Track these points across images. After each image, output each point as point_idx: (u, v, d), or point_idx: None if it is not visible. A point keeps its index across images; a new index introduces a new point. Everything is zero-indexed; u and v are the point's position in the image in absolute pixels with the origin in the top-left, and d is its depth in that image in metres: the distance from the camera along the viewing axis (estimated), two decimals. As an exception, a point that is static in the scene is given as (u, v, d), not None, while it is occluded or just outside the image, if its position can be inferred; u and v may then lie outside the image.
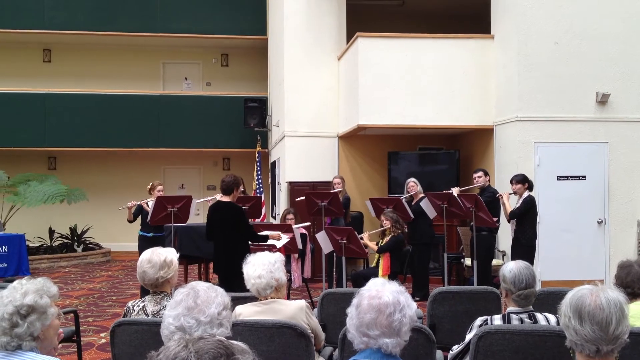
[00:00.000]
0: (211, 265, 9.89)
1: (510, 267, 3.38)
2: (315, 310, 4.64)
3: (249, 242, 6.58)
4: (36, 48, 15.87)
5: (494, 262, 8.64)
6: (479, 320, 3.42)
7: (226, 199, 6.52)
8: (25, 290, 2.51)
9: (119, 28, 14.90)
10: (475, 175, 8.48)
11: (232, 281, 5.67)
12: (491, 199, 8.02)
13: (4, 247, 11.53)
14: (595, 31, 9.10)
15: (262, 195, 12.11)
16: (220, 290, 2.45)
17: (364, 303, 2.31)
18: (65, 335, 5.23)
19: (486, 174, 8.50)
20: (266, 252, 3.80)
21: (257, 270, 3.62)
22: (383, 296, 2.32)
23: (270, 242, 6.92)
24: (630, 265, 3.41)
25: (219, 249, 6.56)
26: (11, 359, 2.45)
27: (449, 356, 3.58)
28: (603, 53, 9.11)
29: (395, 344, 2.30)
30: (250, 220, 7.67)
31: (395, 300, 2.31)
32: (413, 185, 8.95)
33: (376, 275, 7.13)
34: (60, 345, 5.42)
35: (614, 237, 9.09)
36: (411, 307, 2.37)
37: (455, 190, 8.06)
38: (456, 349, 3.49)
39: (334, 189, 9.13)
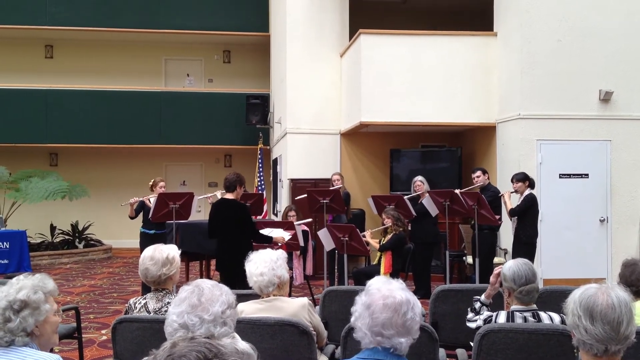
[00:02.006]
0: (212, 262, 9.89)
1: (509, 265, 3.39)
2: (317, 307, 4.63)
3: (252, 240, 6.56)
4: (38, 44, 15.87)
5: (496, 259, 8.62)
6: (485, 314, 3.42)
7: (229, 196, 6.48)
8: (21, 285, 2.52)
9: (121, 24, 14.89)
10: (474, 175, 8.45)
11: (235, 279, 5.65)
12: (493, 198, 8.00)
13: (5, 243, 11.54)
14: (598, 29, 9.07)
15: (264, 193, 12.10)
16: (225, 288, 2.44)
17: (379, 303, 2.29)
18: (67, 332, 5.23)
19: (485, 172, 8.47)
20: (268, 250, 3.78)
21: (259, 267, 3.61)
22: (396, 295, 2.31)
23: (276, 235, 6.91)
24: (635, 264, 3.41)
25: (221, 246, 6.53)
26: (9, 354, 2.44)
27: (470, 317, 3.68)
28: (606, 51, 9.07)
29: (409, 343, 2.30)
30: (252, 217, 7.65)
31: (406, 299, 2.31)
32: (419, 184, 8.81)
33: (378, 273, 7.13)
34: (60, 341, 5.43)
35: (616, 235, 9.07)
36: (418, 305, 2.37)
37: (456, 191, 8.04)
38: (476, 317, 3.54)
39: (333, 186, 9.11)
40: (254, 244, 6.47)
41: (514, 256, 7.36)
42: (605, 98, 9.01)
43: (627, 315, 2.15)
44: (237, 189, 6.47)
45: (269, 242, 6.62)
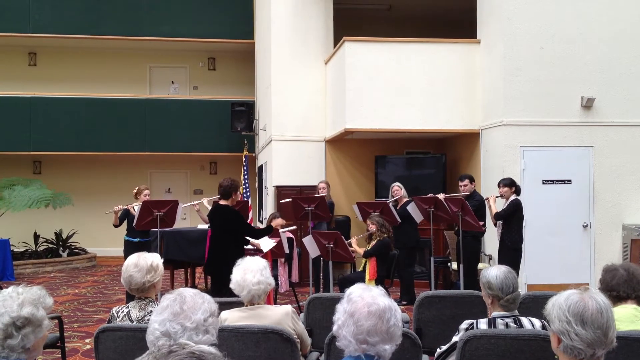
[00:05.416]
0: (198, 270, 9.86)
1: (495, 274, 3.36)
2: (302, 315, 4.63)
3: (250, 241, 6.68)
4: (21, 51, 15.77)
5: (480, 265, 8.66)
6: (464, 324, 3.42)
7: (224, 202, 6.52)
8: (22, 300, 2.42)
9: (105, 31, 14.83)
10: (461, 183, 8.50)
11: (225, 285, 5.63)
12: (478, 207, 8.03)
13: (-12, 252, 11.43)
14: (580, 36, 9.17)
15: (249, 200, 12.08)
16: (207, 297, 2.44)
17: (363, 310, 2.29)
18: (49, 341, 5.18)
19: (472, 180, 8.52)
20: (256, 257, 3.78)
21: (256, 276, 3.59)
22: (380, 302, 2.31)
23: (261, 243, 6.93)
24: (616, 269, 3.44)
25: (213, 252, 6.55)
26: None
27: (436, 354, 3.58)
28: (588, 58, 9.17)
29: (392, 349, 2.31)
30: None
31: (389, 305, 2.32)
32: (397, 189, 9.00)
33: (363, 280, 7.14)
34: (43, 350, 5.38)
35: (599, 240, 9.14)
36: (399, 311, 2.38)
37: (441, 196, 8.07)
38: (443, 348, 3.51)
39: (318, 194, 9.13)
40: (244, 249, 6.53)
41: (499, 262, 7.40)
42: (587, 105, 9.10)
43: (612, 320, 2.20)
44: (233, 196, 6.53)
45: (270, 232, 6.93)
